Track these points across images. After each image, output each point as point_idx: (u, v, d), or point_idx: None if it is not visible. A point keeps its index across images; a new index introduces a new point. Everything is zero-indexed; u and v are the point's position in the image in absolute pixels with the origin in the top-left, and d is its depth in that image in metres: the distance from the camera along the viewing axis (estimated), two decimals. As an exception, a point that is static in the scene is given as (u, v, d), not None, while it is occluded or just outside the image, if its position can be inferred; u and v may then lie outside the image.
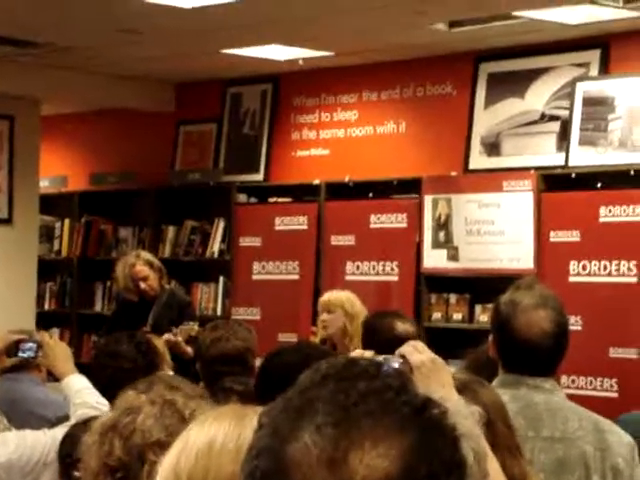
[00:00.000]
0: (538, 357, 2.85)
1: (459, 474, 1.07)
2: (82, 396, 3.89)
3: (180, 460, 1.49)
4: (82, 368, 4.35)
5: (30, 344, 4.35)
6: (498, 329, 2.91)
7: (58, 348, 4.29)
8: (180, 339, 6.49)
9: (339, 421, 1.04)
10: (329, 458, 1.02)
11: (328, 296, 6.16)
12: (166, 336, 6.33)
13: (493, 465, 2.07)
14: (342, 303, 6.00)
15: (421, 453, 1.04)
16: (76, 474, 2.98)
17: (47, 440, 3.52)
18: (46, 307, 9.61)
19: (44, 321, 9.03)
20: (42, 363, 4.44)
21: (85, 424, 3.25)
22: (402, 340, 3.91)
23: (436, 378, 2.31)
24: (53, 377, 4.80)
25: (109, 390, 3.96)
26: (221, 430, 1.51)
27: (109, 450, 2.07)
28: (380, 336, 4.03)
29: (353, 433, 1.03)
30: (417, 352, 2.36)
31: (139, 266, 7.04)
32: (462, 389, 2.43)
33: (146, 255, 7.25)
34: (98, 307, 9.41)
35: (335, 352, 5.63)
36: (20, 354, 4.37)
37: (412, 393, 1.09)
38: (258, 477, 1.03)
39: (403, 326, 4.02)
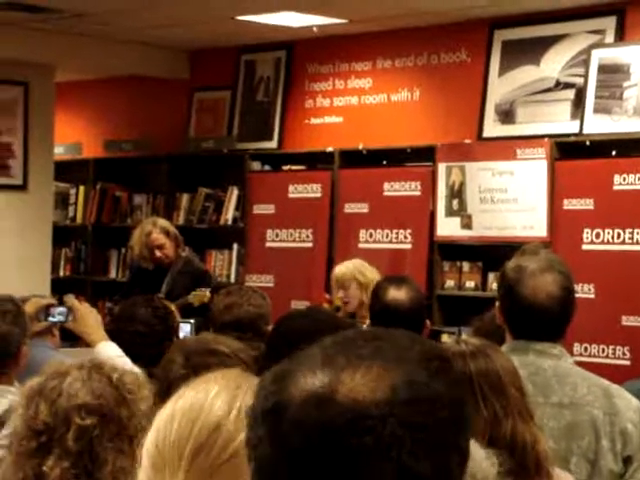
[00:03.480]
0: (546, 322, 2.85)
1: (455, 419, 1.07)
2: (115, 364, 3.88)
3: (177, 403, 1.54)
4: (96, 333, 4.36)
5: (61, 309, 4.29)
6: (505, 295, 2.91)
7: (89, 314, 4.26)
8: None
9: (337, 362, 1.07)
10: (318, 396, 1.05)
11: (338, 271, 6.09)
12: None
13: None
14: (353, 275, 5.98)
15: (415, 384, 1.05)
16: None
17: None
18: (61, 274, 9.65)
19: (59, 287, 9.07)
20: (73, 329, 4.37)
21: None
22: (390, 308, 3.87)
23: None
24: (69, 342, 4.82)
25: (126, 354, 3.99)
26: (216, 387, 1.55)
27: (34, 413, 2.08)
28: (375, 303, 3.99)
29: (349, 372, 1.06)
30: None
31: (155, 234, 7.04)
32: (476, 353, 2.44)
33: (163, 223, 7.25)
34: (113, 274, 9.45)
35: (351, 320, 5.64)
36: (50, 319, 4.31)
37: (428, 344, 1.11)
38: (259, 414, 1.09)
39: (394, 293, 3.87)
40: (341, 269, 6.12)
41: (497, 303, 2.97)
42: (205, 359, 2.67)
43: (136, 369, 3.70)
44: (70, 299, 4.48)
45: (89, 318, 4.20)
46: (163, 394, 2.61)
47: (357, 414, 1.03)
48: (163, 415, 1.52)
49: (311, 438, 1.04)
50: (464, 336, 3.86)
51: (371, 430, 1.03)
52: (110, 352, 3.99)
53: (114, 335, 4.20)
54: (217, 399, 1.51)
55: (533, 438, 2.38)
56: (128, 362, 3.91)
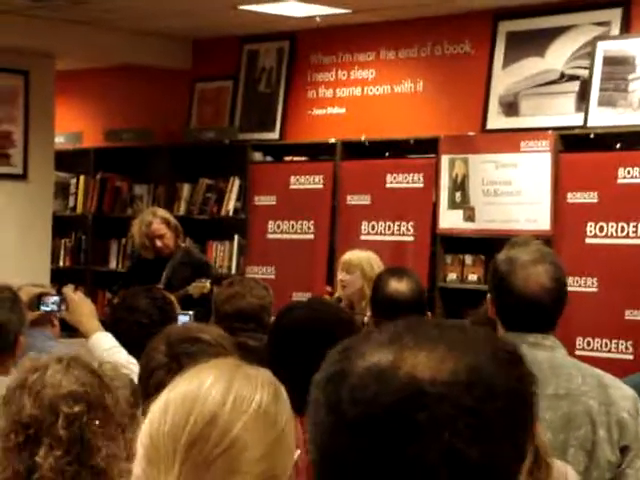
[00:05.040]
0: (538, 313, 2.83)
1: (507, 403, 1.07)
2: (112, 355, 3.81)
3: (170, 395, 1.50)
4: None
5: (54, 298, 4.24)
6: (497, 287, 2.90)
7: (83, 304, 4.21)
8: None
9: (404, 341, 1.09)
10: (379, 369, 1.07)
11: (349, 256, 6.11)
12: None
13: None
14: (362, 265, 5.96)
15: (476, 370, 1.06)
16: None
17: None
18: (61, 264, 9.62)
19: (59, 278, 9.04)
20: (67, 318, 4.31)
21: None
22: (392, 299, 3.87)
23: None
24: (67, 333, 4.78)
25: (124, 344, 3.95)
26: (210, 377, 1.52)
27: (19, 408, 2.08)
28: (376, 294, 3.99)
29: (414, 350, 1.08)
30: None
31: (156, 224, 7.04)
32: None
33: (163, 213, 7.24)
34: (113, 264, 9.42)
35: (350, 311, 5.60)
36: (43, 308, 4.25)
37: (501, 340, 1.13)
38: (321, 380, 1.12)
39: (395, 285, 3.92)
40: (352, 254, 6.13)
41: (488, 295, 2.95)
42: (187, 347, 2.64)
43: (132, 360, 3.67)
44: (65, 289, 4.41)
45: (83, 308, 4.15)
46: (145, 382, 2.57)
47: (414, 390, 1.05)
48: (156, 407, 1.49)
49: (366, 409, 1.06)
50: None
51: (426, 407, 1.04)
52: (104, 343, 3.94)
53: (113, 325, 4.16)
54: (211, 389, 1.48)
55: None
56: (123, 352, 3.86)
